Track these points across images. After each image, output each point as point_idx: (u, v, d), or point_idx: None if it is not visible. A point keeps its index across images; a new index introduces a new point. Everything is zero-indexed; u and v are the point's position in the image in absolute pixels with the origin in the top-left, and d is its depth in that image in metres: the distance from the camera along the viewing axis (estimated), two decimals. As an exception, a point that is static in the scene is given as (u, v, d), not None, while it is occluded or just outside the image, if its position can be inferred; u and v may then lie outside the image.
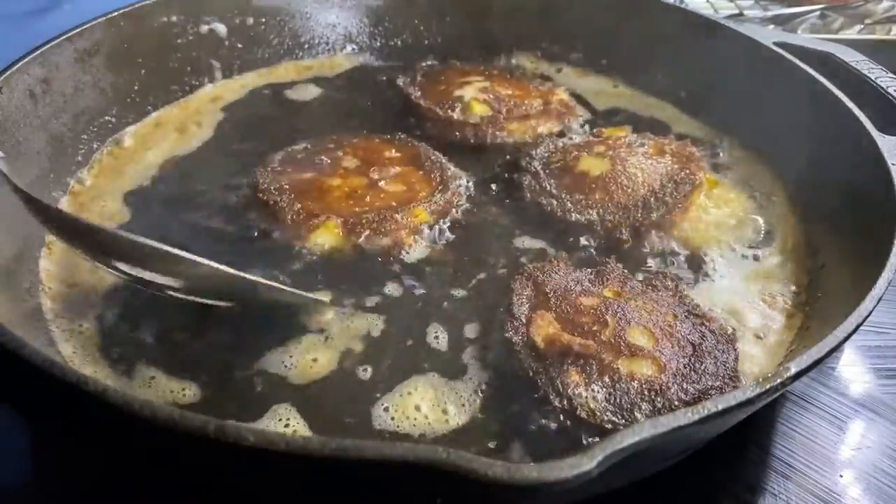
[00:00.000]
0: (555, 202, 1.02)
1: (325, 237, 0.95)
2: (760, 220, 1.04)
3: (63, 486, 0.82)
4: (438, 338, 0.85)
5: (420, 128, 1.18)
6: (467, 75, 1.28)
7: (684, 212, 1.01)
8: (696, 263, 0.97)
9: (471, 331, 0.86)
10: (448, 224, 1.00)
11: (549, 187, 1.04)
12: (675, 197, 1.01)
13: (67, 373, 0.62)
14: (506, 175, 1.10)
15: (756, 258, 0.98)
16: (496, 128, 1.17)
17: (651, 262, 0.97)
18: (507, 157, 1.14)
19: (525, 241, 1.00)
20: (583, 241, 0.99)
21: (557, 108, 1.22)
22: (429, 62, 1.35)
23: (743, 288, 0.93)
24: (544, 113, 1.21)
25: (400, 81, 1.27)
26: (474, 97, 1.20)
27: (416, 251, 0.96)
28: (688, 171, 1.04)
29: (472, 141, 1.17)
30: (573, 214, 1.01)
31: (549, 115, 1.21)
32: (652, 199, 1.01)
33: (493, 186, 1.09)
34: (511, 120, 1.18)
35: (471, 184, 1.08)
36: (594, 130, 1.19)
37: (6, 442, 0.84)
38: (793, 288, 0.93)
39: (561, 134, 1.19)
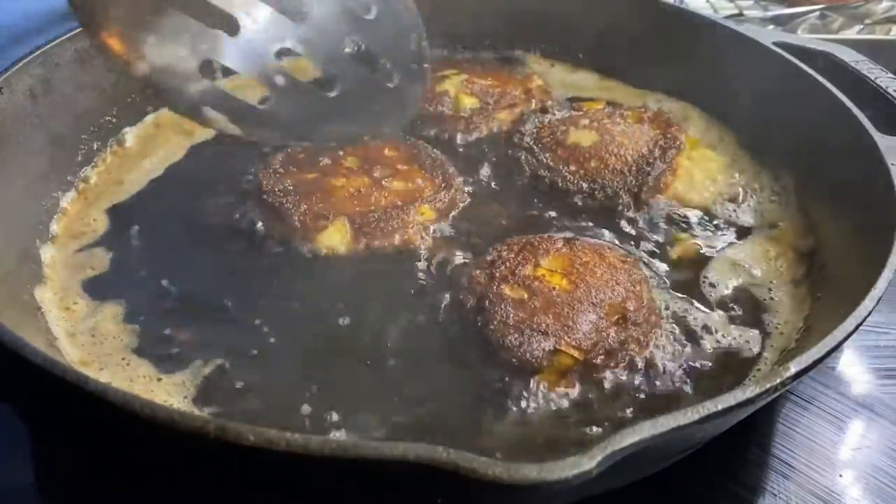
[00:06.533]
0: (554, 174, 1.07)
1: (334, 237, 0.96)
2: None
3: (63, 486, 0.82)
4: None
5: (410, 126, 1.18)
6: (440, 69, 1.28)
7: (674, 174, 1.08)
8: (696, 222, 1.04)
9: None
10: (454, 220, 1.02)
11: (545, 160, 1.09)
12: (664, 160, 1.07)
13: (67, 373, 0.62)
14: (502, 155, 1.13)
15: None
16: (487, 119, 1.19)
17: (654, 224, 1.03)
18: (500, 140, 1.16)
19: (532, 223, 1.02)
20: (587, 210, 1.04)
21: (538, 95, 1.25)
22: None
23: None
24: (527, 100, 1.23)
25: None
26: (461, 91, 1.21)
27: (424, 248, 0.97)
28: (670, 136, 1.10)
29: (464, 133, 1.18)
30: (573, 185, 1.05)
31: (531, 101, 1.23)
32: (644, 164, 1.07)
33: (492, 173, 1.10)
34: (499, 109, 1.20)
35: (471, 178, 1.09)
36: (573, 105, 1.24)
37: (6, 442, 0.84)
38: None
39: (544, 111, 1.21)
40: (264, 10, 0.68)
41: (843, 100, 1.02)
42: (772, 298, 0.92)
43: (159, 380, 0.81)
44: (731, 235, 1.02)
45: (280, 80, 0.71)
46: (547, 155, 1.09)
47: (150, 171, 1.10)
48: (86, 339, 0.85)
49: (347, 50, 0.73)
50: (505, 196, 1.07)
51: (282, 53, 0.71)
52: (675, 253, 0.99)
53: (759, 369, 0.84)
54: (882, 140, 0.94)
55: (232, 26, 0.68)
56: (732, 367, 0.84)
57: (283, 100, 0.72)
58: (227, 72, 0.73)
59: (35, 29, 1.20)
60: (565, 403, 0.78)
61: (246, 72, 0.70)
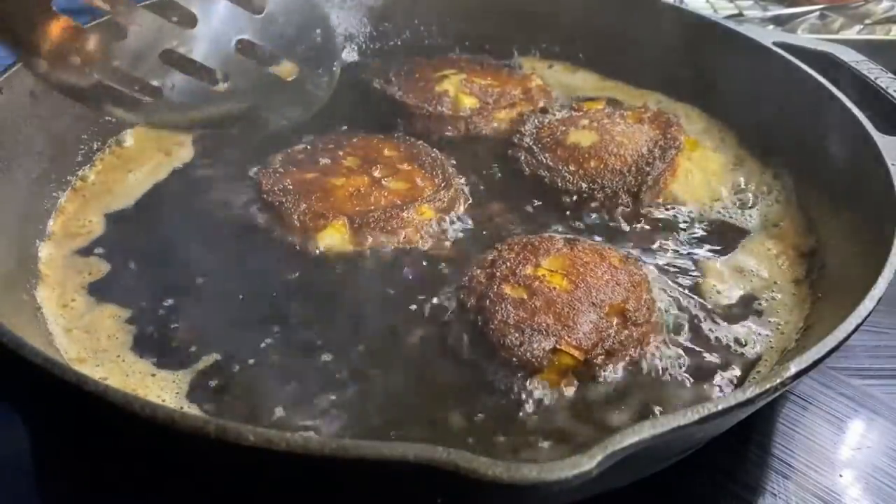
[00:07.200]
0: (553, 174, 1.07)
1: (333, 237, 0.96)
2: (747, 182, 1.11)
3: (63, 486, 0.82)
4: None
5: (410, 126, 1.19)
6: (440, 69, 1.28)
7: (673, 174, 1.07)
8: (696, 221, 1.04)
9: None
10: (454, 219, 1.01)
11: (545, 160, 1.09)
12: (664, 160, 1.07)
13: (67, 372, 0.62)
14: (502, 155, 1.13)
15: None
16: (486, 118, 1.19)
17: (655, 224, 1.03)
18: (500, 140, 1.17)
19: (532, 222, 1.03)
20: (587, 210, 1.04)
21: (537, 94, 1.25)
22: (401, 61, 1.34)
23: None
24: (527, 100, 1.24)
25: (377, 84, 1.27)
26: (460, 90, 1.22)
27: (424, 248, 0.97)
28: (670, 136, 1.10)
29: (463, 133, 1.19)
30: (573, 185, 1.05)
31: (531, 101, 1.24)
32: (644, 164, 1.06)
33: (491, 173, 1.11)
34: (499, 109, 1.21)
35: (471, 177, 1.10)
36: (573, 105, 1.23)
37: (6, 442, 0.85)
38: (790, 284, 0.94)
39: (543, 111, 1.21)
40: (148, 17, 0.77)
41: (843, 100, 1.02)
42: (772, 298, 0.92)
43: (153, 375, 0.81)
44: (730, 235, 1.02)
45: (168, 79, 0.79)
46: (547, 155, 1.10)
47: (150, 172, 1.10)
48: (82, 336, 0.85)
49: (235, 46, 0.79)
50: (505, 196, 1.07)
51: (168, 53, 0.78)
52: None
53: (759, 370, 0.84)
54: (882, 140, 0.94)
55: (120, 31, 0.77)
56: (732, 367, 0.84)
57: (173, 92, 0.80)
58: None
59: None
60: (565, 403, 0.78)
61: (138, 72, 0.78)
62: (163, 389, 0.79)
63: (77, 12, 0.77)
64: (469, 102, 1.20)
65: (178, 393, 0.79)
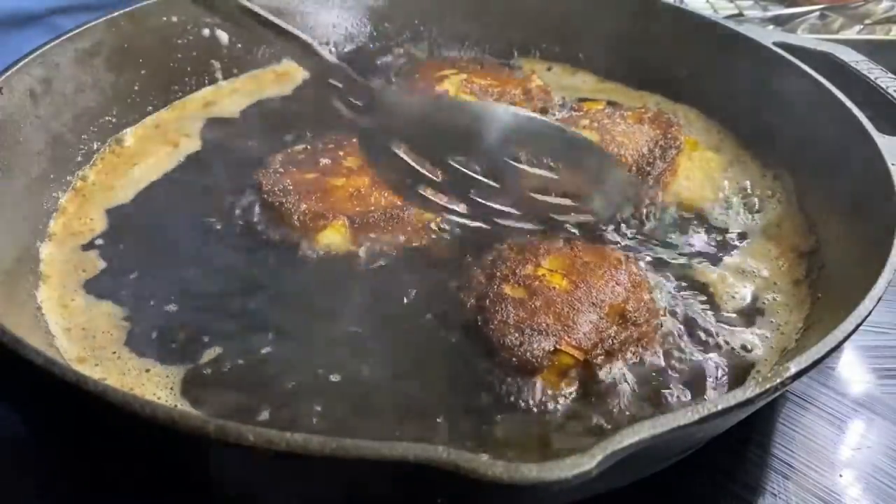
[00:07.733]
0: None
1: (333, 237, 0.96)
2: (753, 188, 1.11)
3: (63, 486, 0.82)
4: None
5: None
6: (439, 69, 1.28)
7: (674, 174, 1.08)
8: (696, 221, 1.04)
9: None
10: (453, 220, 1.01)
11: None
12: (665, 159, 1.07)
13: (67, 372, 0.62)
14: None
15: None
16: None
17: (655, 223, 1.03)
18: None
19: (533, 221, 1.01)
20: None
21: (538, 94, 1.25)
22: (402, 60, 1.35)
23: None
24: (527, 100, 1.24)
25: (375, 85, 1.26)
26: (460, 90, 1.22)
27: (424, 248, 0.97)
28: (670, 136, 1.10)
29: None
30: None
31: (532, 101, 1.24)
32: (644, 164, 1.06)
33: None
34: None
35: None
36: (573, 105, 1.23)
37: (6, 442, 0.84)
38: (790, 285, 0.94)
39: (544, 111, 1.21)
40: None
41: (843, 100, 1.02)
42: (773, 299, 0.92)
43: (147, 371, 0.82)
44: (730, 236, 1.02)
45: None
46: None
47: (150, 171, 1.10)
48: (80, 335, 0.85)
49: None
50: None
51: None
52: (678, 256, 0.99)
53: (759, 370, 0.84)
54: (882, 140, 0.94)
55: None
56: (732, 367, 0.84)
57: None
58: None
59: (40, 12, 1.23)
60: (565, 403, 0.78)
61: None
62: (157, 386, 0.80)
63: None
64: (469, 103, 1.20)
65: (171, 388, 0.80)
